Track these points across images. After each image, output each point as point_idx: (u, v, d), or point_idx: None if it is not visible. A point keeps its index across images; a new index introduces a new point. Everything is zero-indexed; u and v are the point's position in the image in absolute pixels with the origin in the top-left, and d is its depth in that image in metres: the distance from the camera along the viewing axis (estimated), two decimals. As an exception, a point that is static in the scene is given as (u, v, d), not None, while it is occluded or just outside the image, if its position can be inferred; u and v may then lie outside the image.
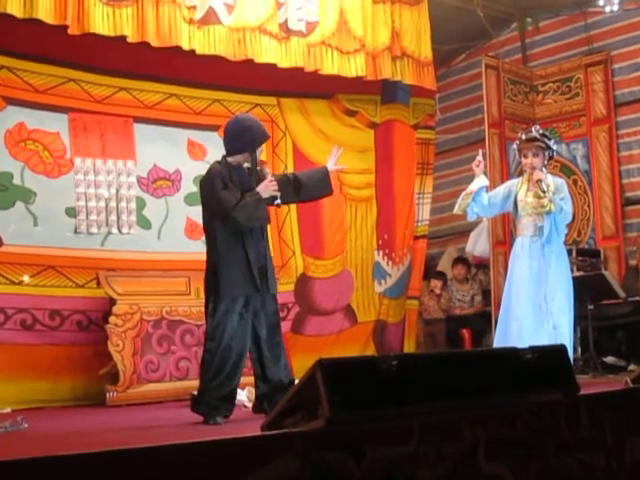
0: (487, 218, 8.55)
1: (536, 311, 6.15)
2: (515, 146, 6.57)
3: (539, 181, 6.19)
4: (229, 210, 5.38)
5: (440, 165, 10.67)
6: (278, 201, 5.67)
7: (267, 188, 5.54)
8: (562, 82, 10.05)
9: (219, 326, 5.40)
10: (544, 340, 5.88)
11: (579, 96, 9.94)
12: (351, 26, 8.33)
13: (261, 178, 5.63)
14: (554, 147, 6.49)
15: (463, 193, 6.49)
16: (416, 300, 9.66)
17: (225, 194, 5.44)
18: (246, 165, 5.66)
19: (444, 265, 10.53)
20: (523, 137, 6.44)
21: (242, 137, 5.60)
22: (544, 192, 6.18)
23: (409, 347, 9.55)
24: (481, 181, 6.44)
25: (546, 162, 6.41)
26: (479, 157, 6.48)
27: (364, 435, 2.50)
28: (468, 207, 6.48)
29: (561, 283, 6.26)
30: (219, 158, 5.73)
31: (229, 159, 5.65)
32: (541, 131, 6.52)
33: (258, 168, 5.72)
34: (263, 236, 5.69)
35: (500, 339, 6.24)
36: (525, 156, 6.39)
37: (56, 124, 7.60)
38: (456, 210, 6.65)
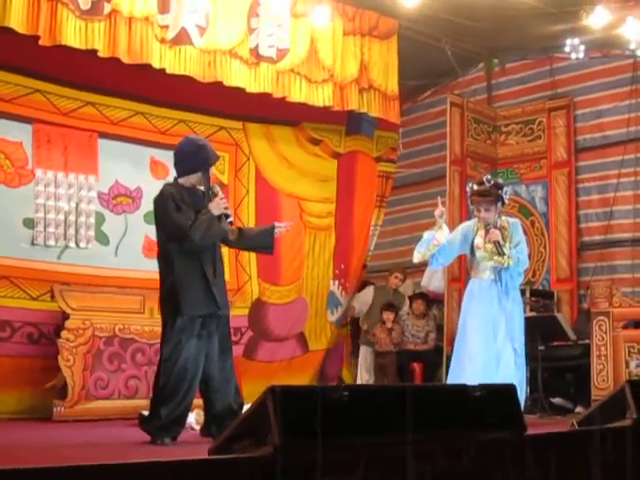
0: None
1: (490, 352, 6.19)
2: (467, 190, 6.59)
3: (496, 242, 6.22)
4: (185, 231, 5.36)
5: (401, 199, 10.75)
6: (230, 218, 5.72)
7: (218, 205, 5.55)
8: (525, 124, 10.19)
9: (177, 347, 5.37)
10: (496, 380, 5.92)
11: (541, 139, 10.08)
12: (321, 56, 8.40)
13: (212, 197, 5.63)
14: (506, 195, 6.47)
15: (426, 243, 6.38)
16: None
17: (179, 216, 5.43)
18: (200, 187, 5.65)
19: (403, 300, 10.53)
20: (475, 188, 6.43)
21: (197, 156, 5.60)
22: (502, 254, 6.21)
23: (350, 376, 9.62)
24: (445, 232, 6.43)
25: (499, 211, 6.41)
26: (441, 207, 6.50)
27: (312, 464, 2.51)
28: (432, 257, 6.46)
29: (515, 326, 6.31)
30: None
31: (180, 180, 5.65)
32: (492, 181, 6.47)
33: (211, 186, 5.70)
34: (217, 256, 5.67)
35: (453, 377, 6.27)
36: (478, 210, 6.41)
37: (20, 134, 7.55)
38: (417, 259, 6.59)
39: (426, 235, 6.46)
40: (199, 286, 5.45)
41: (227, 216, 5.64)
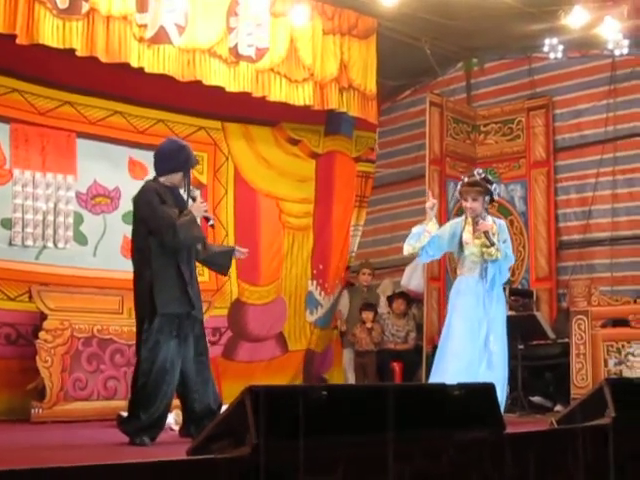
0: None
1: (474, 351, 6.20)
2: (458, 187, 6.63)
3: (486, 232, 6.26)
4: (173, 223, 5.36)
5: (380, 199, 10.74)
6: (212, 222, 5.79)
7: (199, 209, 5.58)
8: (504, 124, 10.21)
9: (155, 347, 5.35)
10: (479, 379, 5.92)
11: (520, 138, 10.11)
12: (300, 55, 8.39)
13: (193, 201, 5.64)
14: (495, 190, 6.55)
15: (417, 235, 6.39)
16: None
17: (164, 209, 5.43)
18: (180, 190, 5.65)
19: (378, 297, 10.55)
20: (465, 180, 6.51)
21: (178, 156, 5.62)
22: (492, 244, 6.24)
23: (338, 378, 9.59)
24: (435, 224, 6.44)
25: (486, 205, 6.47)
26: (433, 199, 6.52)
27: (290, 464, 2.50)
28: (422, 249, 6.46)
29: (499, 325, 6.33)
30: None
31: (161, 179, 5.64)
32: (483, 175, 6.58)
33: (191, 189, 5.71)
34: (192, 258, 5.67)
35: (436, 373, 6.27)
36: (465, 200, 6.46)
37: (-3, 134, 7.51)
38: (407, 252, 6.59)
39: (415, 229, 6.48)
40: (175, 285, 5.44)
41: (208, 219, 5.70)
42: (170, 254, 5.46)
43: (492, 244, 6.24)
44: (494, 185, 6.57)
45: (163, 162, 5.65)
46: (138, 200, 5.59)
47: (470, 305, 6.28)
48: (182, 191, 5.67)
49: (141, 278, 5.50)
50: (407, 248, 6.54)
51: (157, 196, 5.46)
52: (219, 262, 6.07)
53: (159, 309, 5.37)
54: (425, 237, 6.36)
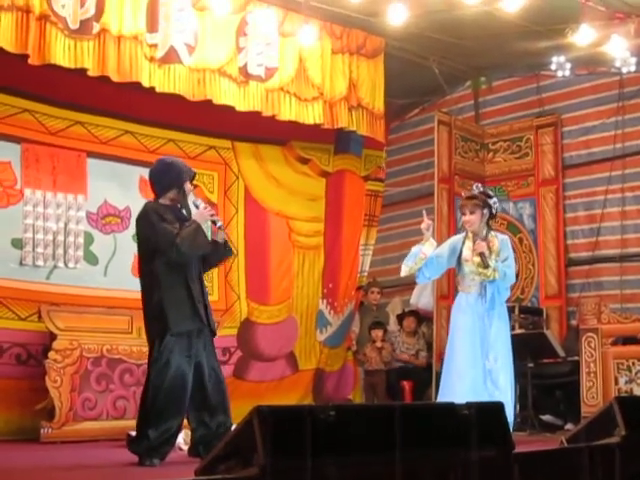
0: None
1: (478, 369, 6.18)
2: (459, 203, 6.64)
3: (482, 254, 6.24)
4: (173, 239, 5.35)
5: (389, 217, 10.76)
6: (220, 223, 5.75)
7: (203, 215, 5.58)
8: (512, 141, 10.23)
9: (165, 367, 5.34)
10: (485, 397, 5.92)
11: (528, 156, 10.12)
12: (310, 74, 8.42)
13: (196, 207, 5.66)
14: (495, 204, 6.51)
15: (414, 257, 6.39)
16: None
17: (165, 225, 5.45)
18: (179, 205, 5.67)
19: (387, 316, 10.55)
20: (464, 195, 6.52)
21: (168, 173, 5.65)
22: (487, 266, 6.22)
23: (356, 397, 9.58)
24: (432, 245, 6.43)
25: (486, 219, 6.44)
26: (428, 220, 6.50)
27: (298, 484, 2.51)
28: (419, 271, 6.46)
29: (502, 342, 6.31)
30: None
31: (160, 200, 5.66)
32: (481, 189, 6.57)
33: (193, 199, 5.73)
34: (201, 274, 5.69)
35: (443, 394, 6.26)
36: (463, 213, 6.46)
37: (8, 153, 7.54)
38: (404, 273, 6.57)
39: (414, 249, 6.47)
40: (185, 303, 5.45)
41: (215, 222, 5.68)
42: (178, 271, 5.47)
43: (487, 266, 6.21)
44: (493, 199, 6.52)
45: (156, 183, 5.69)
46: (139, 221, 5.62)
47: (470, 323, 6.27)
48: (182, 205, 5.68)
49: (150, 298, 5.50)
50: (404, 269, 6.53)
51: (156, 215, 5.48)
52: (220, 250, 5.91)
53: (171, 328, 5.37)
54: (421, 259, 6.35)
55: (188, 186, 5.71)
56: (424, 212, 6.69)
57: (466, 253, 6.39)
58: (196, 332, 5.51)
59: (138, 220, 5.64)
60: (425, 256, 6.35)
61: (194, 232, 5.45)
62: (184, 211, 5.70)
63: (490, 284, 6.28)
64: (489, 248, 6.30)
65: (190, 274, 5.53)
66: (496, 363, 6.21)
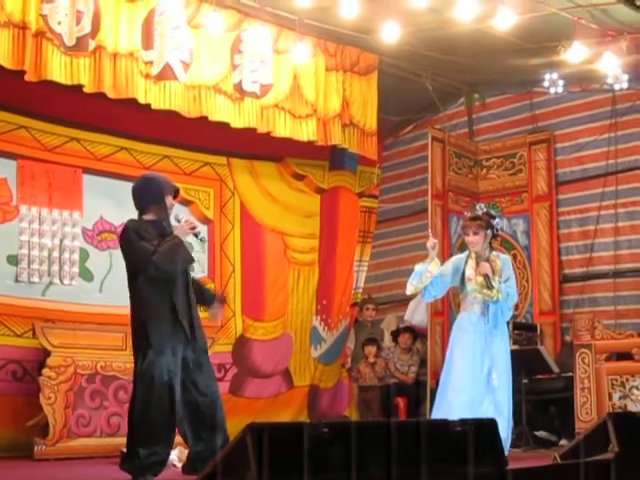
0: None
1: (476, 387, 6.17)
2: (461, 223, 6.62)
3: (486, 276, 6.24)
4: (149, 256, 5.33)
5: (383, 233, 10.77)
6: (202, 235, 5.77)
7: (182, 229, 5.57)
8: (506, 158, 10.27)
9: (150, 384, 5.29)
10: (482, 414, 5.90)
11: (522, 173, 10.16)
12: (304, 91, 8.46)
13: (178, 221, 5.66)
14: (498, 225, 6.52)
15: (419, 275, 6.34)
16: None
17: (142, 244, 5.41)
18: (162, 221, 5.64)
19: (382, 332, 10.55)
20: (467, 215, 6.51)
21: (148, 189, 5.64)
22: (491, 287, 6.22)
23: (352, 414, 9.58)
24: (437, 264, 6.42)
25: (489, 240, 6.44)
26: (433, 239, 6.46)
27: (291, 501, 2.51)
28: (425, 289, 6.45)
29: (503, 361, 6.29)
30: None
31: (145, 217, 5.63)
32: (485, 209, 6.55)
33: (175, 214, 5.71)
34: (188, 288, 5.64)
35: (438, 410, 6.25)
36: (467, 234, 6.43)
37: (4, 170, 7.59)
38: (410, 291, 6.54)
39: (418, 267, 6.43)
40: (167, 319, 5.41)
41: (196, 235, 5.67)
42: (162, 287, 5.44)
43: (491, 287, 6.22)
44: (496, 220, 6.53)
45: (138, 199, 5.67)
46: (120, 240, 5.64)
47: (471, 341, 6.25)
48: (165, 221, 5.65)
49: (134, 315, 5.51)
50: (410, 288, 6.51)
51: (135, 233, 5.45)
52: (205, 296, 6.00)
53: (153, 344, 5.34)
54: (427, 278, 6.32)
55: (170, 200, 5.68)
56: (429, 230, 6.69)
57: (469, 272, 6.37)
58: (182, 348, 5.47)
59: (119, 239, 5.66)
60: (431, 275, 6.33)
61: (172, 247, 5.43)
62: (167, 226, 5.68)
63: (493, 304, 6.27)
64: (492, 268, 6.30)
65: (175, 289, 5.49)
66: (495, 382, 6.20)
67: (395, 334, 10.06)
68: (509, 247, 9.94)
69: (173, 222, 5.69)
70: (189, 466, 5.60)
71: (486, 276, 6.21)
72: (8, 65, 6.61)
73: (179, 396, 5.43)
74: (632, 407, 7.70)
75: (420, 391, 9.23)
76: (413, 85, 9.67)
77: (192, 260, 5.71)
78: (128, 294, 5.61)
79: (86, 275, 7.98)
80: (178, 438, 5.69)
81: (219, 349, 8.19)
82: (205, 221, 8.69)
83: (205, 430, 5.54)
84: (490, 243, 6.48)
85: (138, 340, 5.46)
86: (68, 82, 6.94)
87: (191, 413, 5.53)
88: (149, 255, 5.34)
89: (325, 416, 9.23)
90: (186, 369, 5.50)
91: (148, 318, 5.39)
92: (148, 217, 5.62)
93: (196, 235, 5.68)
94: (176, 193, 5.82)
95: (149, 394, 5.31)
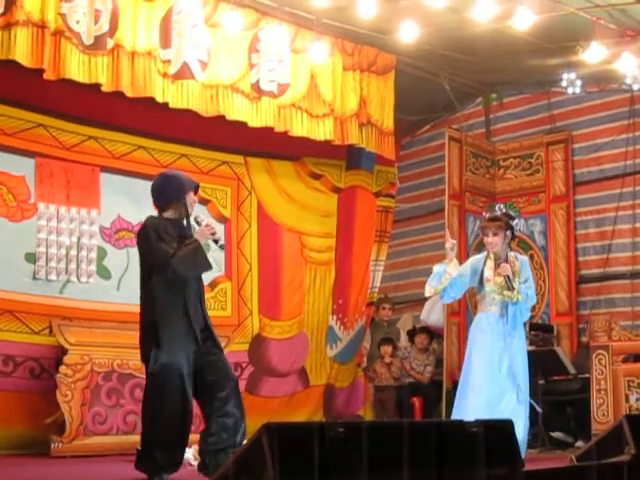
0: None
1: (494, 387, 6.15)
2: (479, 224, 6.59)
3: (506, 276, 6.21)
4: (167, 259, 5.25)
5: (400, 233, 10.76)
6: (221, 242, 5.68)
7: (203, 233, 5.47)
8: (523, 158, 10.24)
9: (163, 387, 5.23)
10: (499, 415, 5.88)
11: (539, 173, 10.13)
12: (321, 90, 8.47)
13: (198, 224, 5.56)
14: (517, 226, 6.49)
15: (438, 277, 6.31)
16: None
17: (161, 245, 5.32)
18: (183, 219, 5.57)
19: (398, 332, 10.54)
20: (486, 216, 6.48)
21: (169, 186, 5.56)
22: (512, 288, 6.20)
23: (367, 414, 9.57)
24: (456, 265, 6.39)
25: (509, 241, 6.42)
26: (452, 240, 6.44)
27: (307, 501, 2.52)
28: (444, 291, 6.43)
29: (521, 362, 6.27)
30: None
31: (164, 214, 5.56)
32: (504, 210, 6.51)
33: (195, 216, 5.62)
34: (201, 292, 5.59)
35: (458, 410, 6.23)
36: (486, 235, 6.40)
37: (22, 168, 7.61)
38: (428, 293, 6.52)
39: (437, 268, 6.41)
40: (180, 323, 5.33)
41: (216, 241, 5.58)
42: (175, 289, 5.36)
43: (512, 288, 6.19)
44: (515, 220, 6.50)
45: (158, 198, 5.60)
46: (138, 237, 5.57)
47: (489, 342, 6.22)
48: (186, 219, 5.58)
49: (146, 314, 5.43)
50: (428, 289, 6.48)
51: (154, 232, 5.36)
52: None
53: (164, 348, 5.26)
54: (446, 279, 6.30)
55: (192, 197, 5.61)
56: (447, 231, 6.66)
57: (487, 273, 6.34)
58: (194, 350, 5.37)
59: (137, 236, 5.60)
60: (450, 276, 6.31)
61: (192, 252, 5.33)
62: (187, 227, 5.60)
63: (512, 305, 6.25)
64: (511, 269, 6.28)
65: (188, 292, 5.42)
66: (513, 382, 6.17)
67: (411, 334, 10.05)
68: (526, 247, 9.91)
69: (194, 225, 5.61)
70: (204, 465, 5.57)
71: (507, 277, 6.18)
72: (27, 63, 6.64)
73: (191, 394, 5.36)
74: (649, 409, 7.67)
75: (436, 391, 9.21)
76: (431, 85, 9.67)
77: (210, 267, 5.60)
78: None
79: (103, 273, 8.00)
80: (193, 437, 5.69)
81: (235, 348, 8.20)
82: (222, 220, 8.70)
83: (221, 428, 5.46)
84: (509, 244, 6.46)
85: (147, 341, 5.38)
86: (86, 81, 6.97)
87: (206, 412, 5.47)
88: (168, 258, 5.27)
89: (340, 415, 9.22)
90: (200, 369, 5.41)
91: (160, 319, 5.31)
92: (168, 215, 5.55)
93: (216, 242, 5.58)
94: (197, 189, 5.76)
95: (162, 399, 5.24)
